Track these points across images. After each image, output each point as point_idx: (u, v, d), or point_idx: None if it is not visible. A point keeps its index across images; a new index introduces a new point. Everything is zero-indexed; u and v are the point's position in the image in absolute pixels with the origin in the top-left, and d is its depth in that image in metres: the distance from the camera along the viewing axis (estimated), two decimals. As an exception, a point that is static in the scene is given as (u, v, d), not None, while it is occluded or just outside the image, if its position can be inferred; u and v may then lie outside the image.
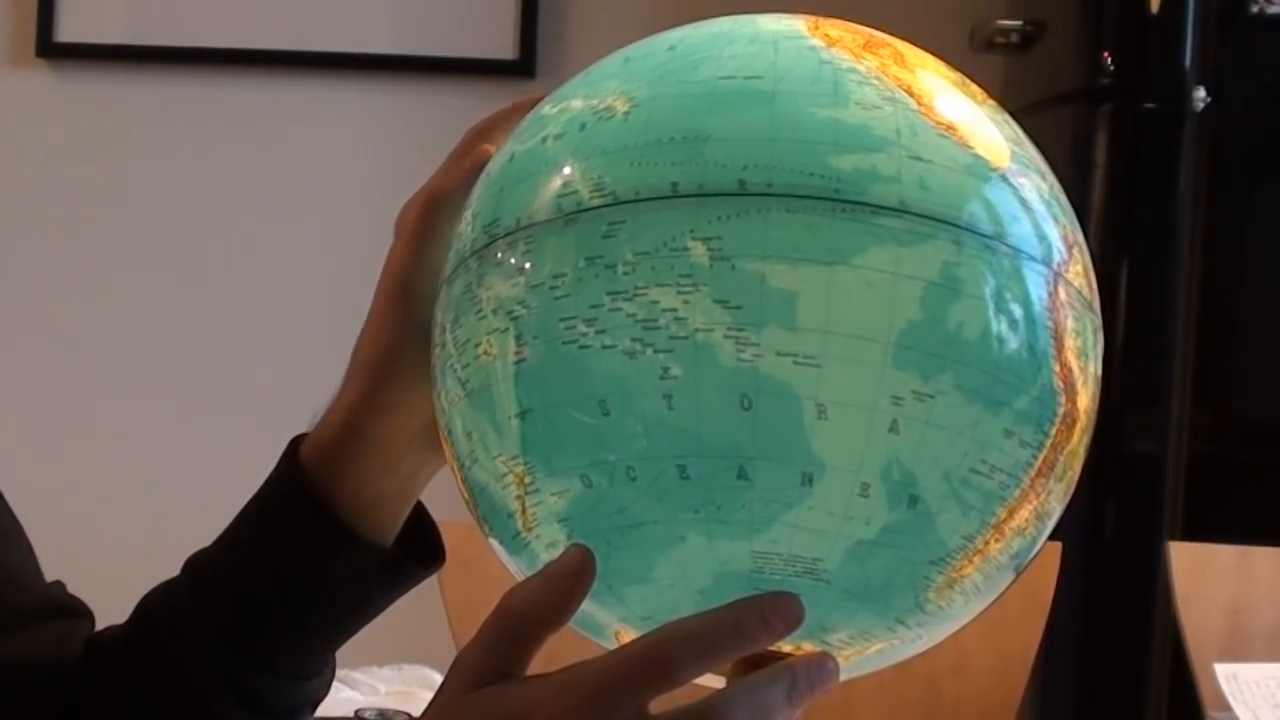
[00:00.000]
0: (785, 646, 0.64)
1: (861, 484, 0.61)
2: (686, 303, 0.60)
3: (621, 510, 0.62)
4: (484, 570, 1.23)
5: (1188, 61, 2.08)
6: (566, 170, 0.64)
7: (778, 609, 0.62)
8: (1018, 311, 0.62)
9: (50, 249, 2.55)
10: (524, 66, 2.51)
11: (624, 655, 0.61)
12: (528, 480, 0.64)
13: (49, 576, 0.92)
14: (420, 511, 0.86)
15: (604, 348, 0.61)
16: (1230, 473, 2.15)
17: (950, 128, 0.64)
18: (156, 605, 0.87)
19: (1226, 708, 1.40)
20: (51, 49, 2.53)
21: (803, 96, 0.63)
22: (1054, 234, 0.65)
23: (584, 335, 0.61)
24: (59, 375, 2.55)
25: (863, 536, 0.62)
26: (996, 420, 0.62)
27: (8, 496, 0.92)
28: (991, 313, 0.62)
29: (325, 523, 0.82)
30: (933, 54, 0.69)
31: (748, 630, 0.62)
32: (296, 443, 0.84)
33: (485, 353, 0.64)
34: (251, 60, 2.53)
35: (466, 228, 0.68)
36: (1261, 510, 2.09)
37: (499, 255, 0.64)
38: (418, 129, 2.55)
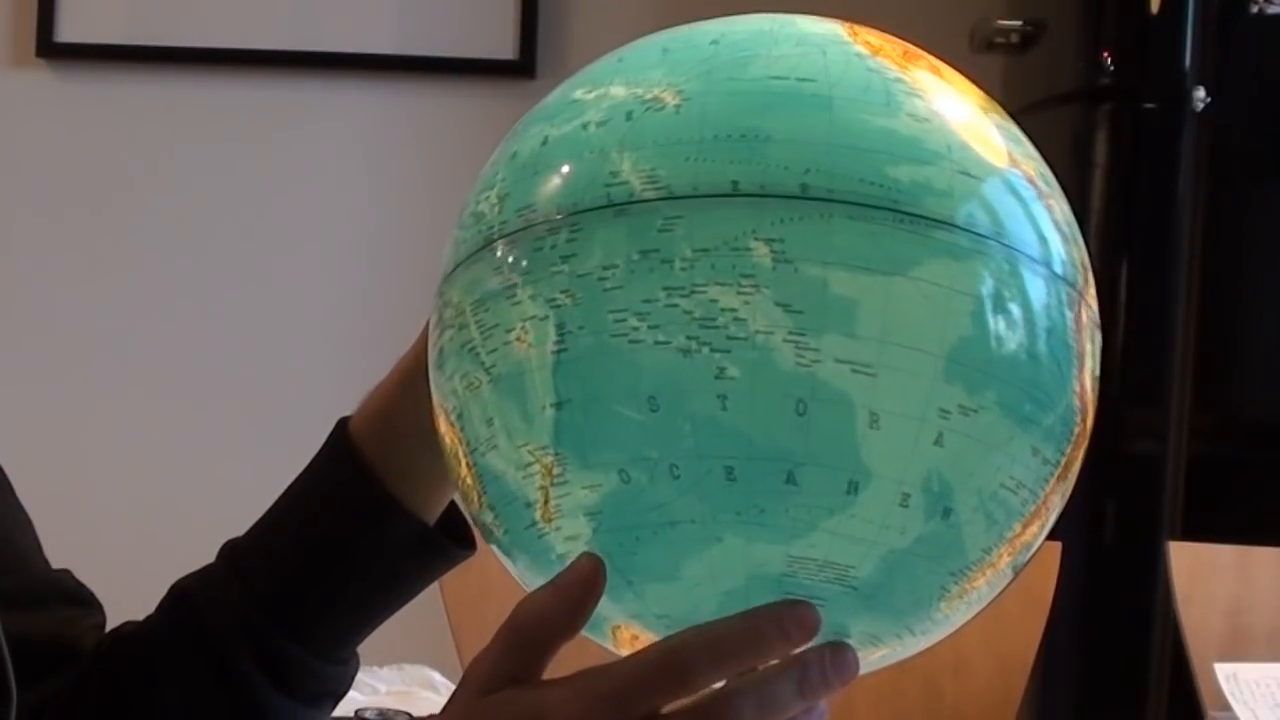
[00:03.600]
0: None
1: (903, 494, 0.61)
2: (747, 303, 0.60)
3: (658, 508, 0.62)
4: (484, 571, 1.23)
5: (1188, 61, 2.08)
6: (614, 159, 0.63)
7: (796, 618, 0.62)
8: (1051, 332, 0.63)
9: (50, 248, 2.55)
10: (524, 66, 2.51)
11: (639, 661, 0.62)
12: (556, 471, 0.63)
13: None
14: (453, 506, 0.88)
15: (656, 343, 0.60)
16: (1230, 473, 2.15)
17: (989, 146, 0.65)
18: (190, 585, 0.89)
19: (1226, 708, 1.40)
20: (51, 49, 2.53)
21: (858, 104, 0.63)
22: (1076, 257, 0.66)
23: (635, 329, 0.60)
24: (59, 375, 2.55)
25: (896, 546, 0.62)
26: (1027, 437, 0.63)
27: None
28: (1030, 331, 0.63)
29: (367, 489, 0.84)
30: (935, 55, 0.69)
31: (765, 639, 0.61)
32: (345, 420, 0.87)
33: (519, 339, 0.63)
34: (251, 60, 2.53)
35: (491, 208, 0.66)
36: (1261, 510, 2.09)
37: (537, 240, 0.63)
38: (418, 129, 2.55)
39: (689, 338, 0.60)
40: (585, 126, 0.64)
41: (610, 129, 0.64)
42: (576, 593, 0.63)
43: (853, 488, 0.61)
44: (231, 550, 0.88)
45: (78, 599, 0.92)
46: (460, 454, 0.67)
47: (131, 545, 2.37)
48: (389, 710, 1.34)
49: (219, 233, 2.56)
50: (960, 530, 0.63)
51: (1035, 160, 0.67)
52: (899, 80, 0.64)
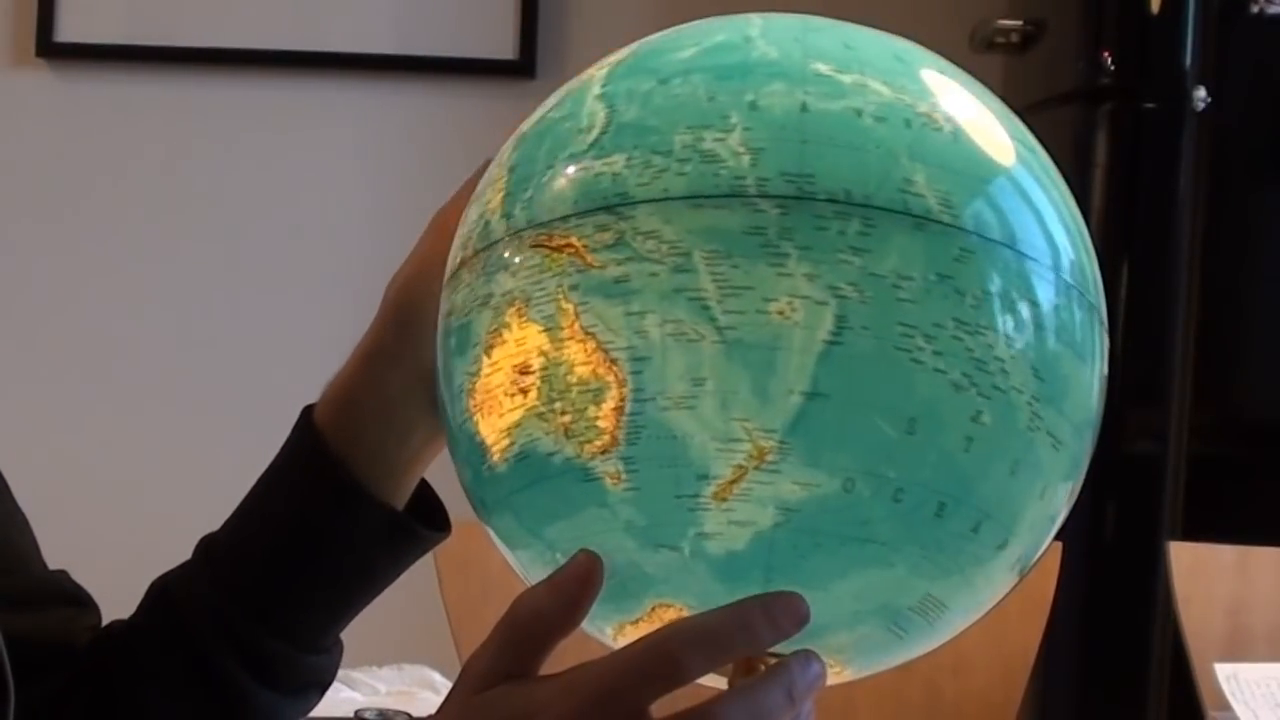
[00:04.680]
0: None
1: (1019, 557, 0.65)
2: (1013, 358, 0.62)
3: (863, 524, 0.61)
4: (484, 570, 1.23)
5: (1188, 61, 2.08)
6: (905, 166, 0.62)
7: (785, 608, 0.62)
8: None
9: (50, 248, 2.55)
10: (524, 66, 2.51)
11: (630, 654, 0.61)
12: (771, 458, 0.60)
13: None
14: (424, 487, 0.87)
15: (936, 370, 0.60)
16: (1230, 473, 2.15)
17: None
18: (169, 581, 0.89)
19: (1226, 708, 1.40)
20: (51, 49, 2.53)
21: (1050, 187, 0.66)
22: None
23: (921, 349, 0.60)
24: (57, 375, 2.55)
25: (984, 597, 0.66)
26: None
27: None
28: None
29: (332, 477, 0.84)
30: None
31: (754, 629, 0.62)
32: (310, 409, 0.86)
33: (780, 313, 0.60)
34: (251, 60, 2.53)
35: (733, 155, 0.62)
36: (1261, 510, 2.09)
37: (820, 220, 0.60)
38: (418, 129, 2.55)
39: (964, 374, 0.61)
40: (859, 114, 0.63)
41: (892, 130, 0.62)
42: (574, 589, 0.63)
43: (1001, 546, 0.64)
44: (207, 545, 0.88)
45: (75, 600, 0.92)
46: (612, 395, 0.62)
47: (130, 546, 2.37)
48: (389, 710, 1.34)
49: (219, 232, 2.56)
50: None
51: None
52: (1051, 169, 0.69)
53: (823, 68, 0.64)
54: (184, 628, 0.86)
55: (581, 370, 0.62)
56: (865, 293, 0.60)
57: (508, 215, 0.65)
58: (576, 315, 0.62)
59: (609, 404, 0.61)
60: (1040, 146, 0.68)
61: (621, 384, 0.61)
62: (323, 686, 0.90)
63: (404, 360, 0.82)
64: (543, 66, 2.51)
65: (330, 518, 0.84)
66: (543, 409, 0.63)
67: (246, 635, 0.85)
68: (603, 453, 0.62)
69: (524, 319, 0.63)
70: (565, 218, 0.63)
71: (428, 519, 0.86)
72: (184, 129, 2.55)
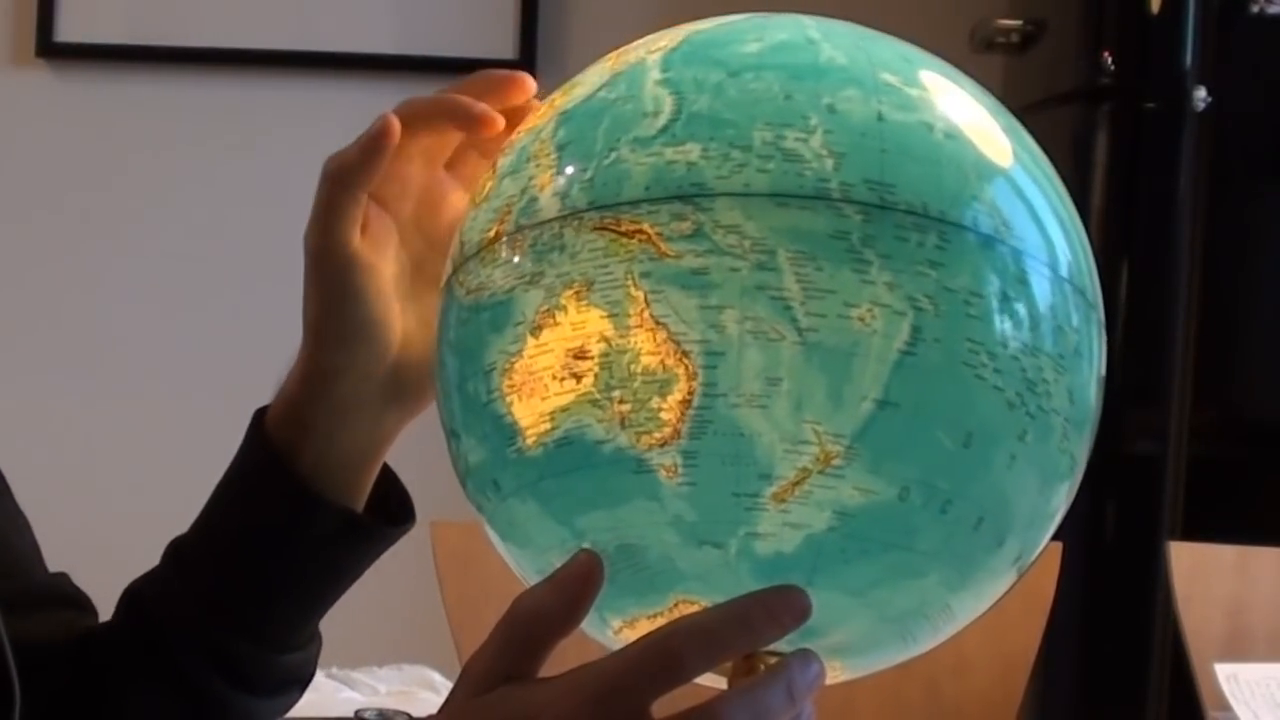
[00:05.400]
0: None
1: (1024, 564, 0.67)
2: (1056, 381, 0.63)
3: (910, 532, 0.62)
4: (484, 570, 1.23)
5: (1188, 61, 2.08)
6: (973, 185, 0.63)
7: (787, 604, 0.62)
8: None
9: (50, 248, 2.55)
10: (524, 67, 2.49)
11: (630, 653, 0.61)
12: (837, 463, 0.60)
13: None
14: (387, 474, 0.86)
15: (995, 388, 0.61)
16: (1230, 473, 2.15)
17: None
18: (141, 587, 0.89)
19: (1226, 708, 1.40)
20: (51, 49, 2.53)
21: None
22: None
23: (984, 365, 0.61)
24: (57, 374, 2.55)
25: (987, 604, 0.67)
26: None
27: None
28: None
29: (284, 484, 0.83)
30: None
31: (755, 625, 0.61)
32: (261, 413, 0.87)
33: (860, 319, 0.60)
34: (251, 60, 2.53)
35: (816, 156, 0.62)
36: (1261, 510, 2.09)
37: (900, 230, 0.61)
38: (418, 129, 2.55)
39: (1018, 393, 0.62)
40: (930, 129, 0.63)
41: (960, 148, 0.64)
42: (575, 589, 0.63)
43: (1016, 559, 0.66)
44: (175, 548, 0.88)
45: (75, 603, 0.92)
46: (680, 387, 0.60)
47: (129, 546, 2.37)
48: (389, 710, 1.34)
49: (219, 233, 2.56)
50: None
51: None
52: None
53: (890, 79, 0.64)
54: (157, 633, 0.86)
55: (648, 360, 0.61)
56: (940, 306, 0.61)
57: (563, 194, 0.63)
58: (647, 303, 0.61)
59: (675, 396, 0.60)
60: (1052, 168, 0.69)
61: (692, 377, 0.60)
62: (303, 683, 0.90)
63: (336, 378, 0.83)
64: (543, 66, 2.51)
65: (285, 523, 0.83)
66: (598, 396, 0.61)
67: (218, 639, 0.85)
68: (661, 445, 0.61)
69: (583, 302, 0.62)
70: (635, 202, 0.62)
71: (393, 512, 0.86)
72: (184, 129, 2.55)
